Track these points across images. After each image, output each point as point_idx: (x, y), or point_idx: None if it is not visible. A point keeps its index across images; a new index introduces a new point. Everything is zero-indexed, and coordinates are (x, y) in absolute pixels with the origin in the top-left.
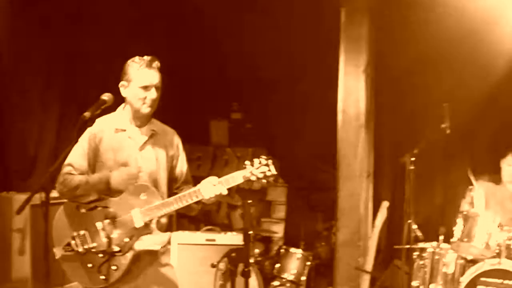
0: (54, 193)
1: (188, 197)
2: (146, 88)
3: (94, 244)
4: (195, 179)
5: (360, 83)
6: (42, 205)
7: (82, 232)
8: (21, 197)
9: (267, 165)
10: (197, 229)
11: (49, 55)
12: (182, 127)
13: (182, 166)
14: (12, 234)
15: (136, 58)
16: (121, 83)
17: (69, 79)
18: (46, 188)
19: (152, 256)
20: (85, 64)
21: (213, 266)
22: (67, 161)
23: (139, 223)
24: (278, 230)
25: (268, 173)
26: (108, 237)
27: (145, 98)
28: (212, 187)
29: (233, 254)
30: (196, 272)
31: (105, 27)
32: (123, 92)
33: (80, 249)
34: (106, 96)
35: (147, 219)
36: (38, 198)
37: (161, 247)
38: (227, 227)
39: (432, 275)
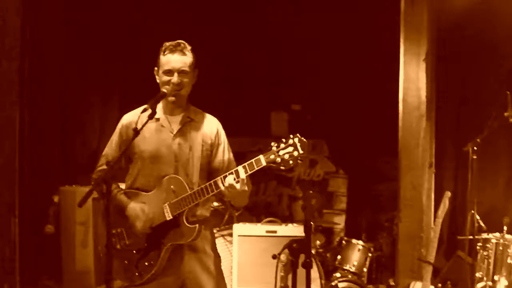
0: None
1: (209, 188)
2: (168, 72)
3: (130, 241)
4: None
5: (420, 72)
6: (103, 198)
7: (119, 230)
8: (84, 191)
9: (293, 144)
10: (258, 221)
11: (109, 48)
12: (242, 119)
13: (223, 155)
14: (76, 226)
15: (165, 43)
16: (155, 70)
17: (129, 72)
18: (107, 181)
19: (188, 249)
20: (144, 56)
21: (274, 257)
22: (104, 152)
23: (168, 217)
24: (340, 221)
25: (295, 153)
26: (141, 232)
27: (168, 82)
28: (226, 178)
29: (294, 245)
30: (257, 264)
31: (164, 17)
32: (156, 79)
33: (118, 247)
34: (165, 89)
35: (175, 213)
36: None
37: (189, 240)
38: (288, 219)
39: (496, 266)
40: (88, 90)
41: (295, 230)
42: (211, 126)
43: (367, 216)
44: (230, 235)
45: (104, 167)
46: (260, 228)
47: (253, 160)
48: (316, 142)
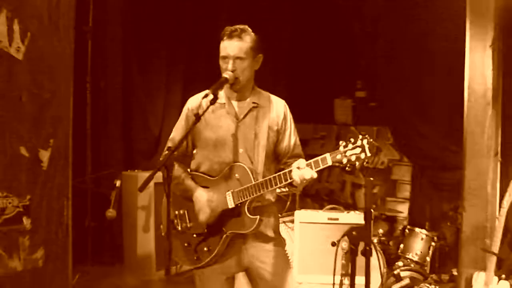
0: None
1: (278, 180)
2: (224, 59)
3: (191, 224)
4: None
5: (487, 58)
6: (164, 182)
7: (182, 211)
8: (145, 175)
9: (361, 146)
10: (321, 208)
11: (172, 31)
12: (306, 106)
13: (289, 140)
14: (138, 211)
15: (225, 28)
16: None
17: (192, 57)
18: (168, 166)
19: (250, 235)
20: (208, 42)
21: (333, 244)
22: (171, 135)
23: (231, 205)
24: (403, 209)
25: (361, 156)
26: (204, 218)
27: (225, 69)
28: (299, 171)
29: (354, 233)
30: (318, 251)
31: (229, 4)
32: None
33: (179, 228)
34: (227, 74)
35: (238, 201)
36: (161, 176)
37: (249, 231)
38: (351, 207)
39: None
40: (151, 74)
41: (357, 217)
42: (278, 110)
43: (431, 205)
44: (292, 221)
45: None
46: (322, 215)
47: (319, 158)
48: (380, 129)
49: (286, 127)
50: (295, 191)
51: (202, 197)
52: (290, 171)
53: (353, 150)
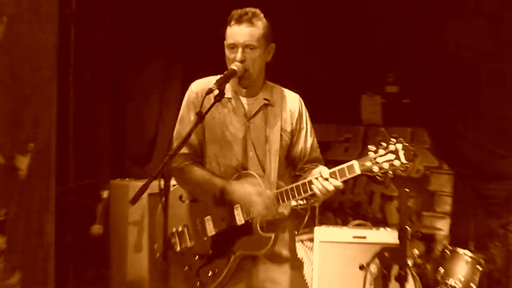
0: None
1: (296, 191)
2: (232, 48)
3: (192, 244)
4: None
5: None
6: (161, 194)
7: (180, 229)
8: (138, 185)
9: (395, 151)
10: (345, 224)
11: (170, 15)
12: (327, 104)
13: (305, 142)
14: (128, 227)
15: (233, 12)
16: (224, 42)
17: (194, 46)
18: (165, 174)
19: (260, 259)
20: (212, 28)
21: (361, 268)
22: (176, 134)
23: (240, 221)
24: (443, 226)
25: (395, 163)
26: (208, 237)
27: (233, 60)
28: (320, 181)
29: (386, 254)
30: (342, 275)
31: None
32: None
33: (178, 248)
34: (235, 66)
35: (248, 217)
36: (157, 186)
37: (263, 251)
38: (380, 223)
39: None
40: (146, 66)
41: (388, 235)
42: (291, 107)
43: (476, 221)
44: (311, 240)
45: (185, 151)
46: (346, 233)
47: (345, 166)
48: (415, 130)
49: (302, 126)
50: (314, 204)
51: (248, 187)
52: (310, 181)
53: (386, 156)
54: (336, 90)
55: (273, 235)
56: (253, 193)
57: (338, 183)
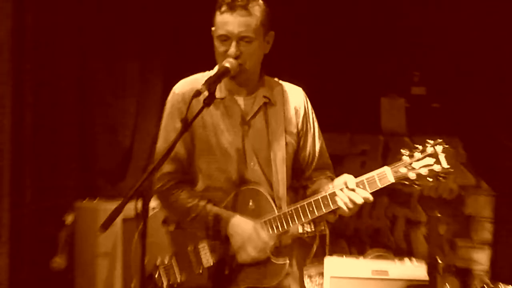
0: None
1: (315, 207)
2: (223, 40)
3: (183, 278)
4: None
5: None
6: (138, 218)
7: (167, 260)
8: (110, 207)
9: (434, 154)
10: (361, 253)
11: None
12: (339, 109)
13: (313, 145)
14: (97, 260)
15: None
16: (212, 30)
17: (176, 38)
18: (144, 194)
19: None
20: (198, 16)
21: None
22: (159, 147)
23: (258, 259)
24: (481, 258)
25: (436, 168)
26: (204, 268)
27: (223, 53)
28: (346, 193)
29: None
30: None
31: None
32: None
33: (164, 285)
34: (228, 63)
35: (266, 256)
36: (133, 208)
37: (275, 282)
38: (405, 253)
39: None
40: (120, 62)
41: (415, 270)
42: (296, 103)
43: None
44: (321, 275)
45: (169, 169)
46: (363, 266)
47: (375, 173)
48: (446, 142)
49: (309, 126)
50: (324, 231)
51: (246, 224)
52: (333, 193)
53: (423, 161)
54: (349, 92)
55: (287, 261)
56: (256, 235)
57: (368, 194)
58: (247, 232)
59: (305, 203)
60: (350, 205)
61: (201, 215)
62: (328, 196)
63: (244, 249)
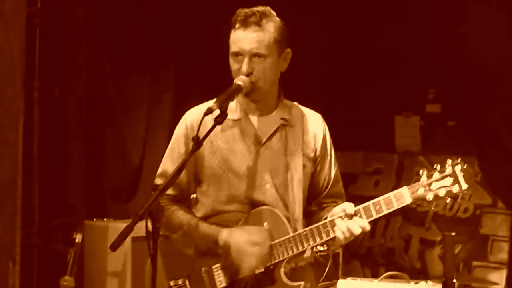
0: None
1: (316, 233)
2: (236, 56)
3: None
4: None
5: None
6: (148, 237)
7: (180, 282)
8: (119, 226)
9: (453, 174)
10: (375, 275)
11: (160, 20)
12: (352, 127)
13: (329, 171)
14: (107, 279)
15: (238, 12)
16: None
17: (188, 54)
18: (153, 214)
19: None
20: (212, 32)
21: None
22: (161, 167)
23: (258, 270)
24: (498, 279)
25: (454, 189)
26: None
27: (237, 71)
28: (345, 221)
29: None
30: None
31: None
32: None
33: None
34: (240, 81)
35: (269, 263)
36: (143, 227)
37: None
38: (419, 274)
39: None
40: (130, 78)
41: None
42: (314, 128)
43: None
44: None
45: (170, 191)
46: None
47: (391, 194)
48: (462, 160)
49: (326, 153)
50: (336, 250)
51: (238, 237)
52: (333, 220)
53: (442, 182)
54: (363, 110)
55: (302, 283)
56: (247, 246)
57: (365, 224)
58: (240, 244)
59: (320, 225)
60: (347, 235)
61: (192, 232)
62: (326, 224)
63: (244, 262)
